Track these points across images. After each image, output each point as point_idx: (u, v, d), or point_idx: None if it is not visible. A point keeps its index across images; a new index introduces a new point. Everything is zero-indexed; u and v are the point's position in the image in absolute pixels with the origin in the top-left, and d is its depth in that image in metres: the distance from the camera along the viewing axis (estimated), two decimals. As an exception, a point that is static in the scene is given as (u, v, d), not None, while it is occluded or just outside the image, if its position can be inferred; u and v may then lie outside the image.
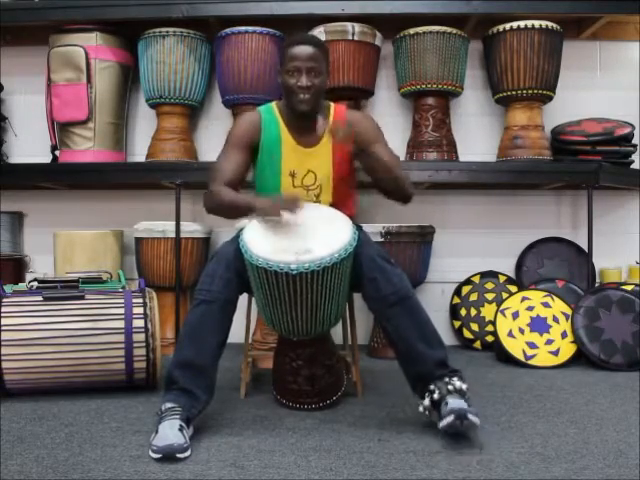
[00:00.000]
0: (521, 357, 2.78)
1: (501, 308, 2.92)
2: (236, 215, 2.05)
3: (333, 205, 2.12)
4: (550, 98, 3.14)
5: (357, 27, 3.01)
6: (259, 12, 3.02)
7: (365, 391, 2.29)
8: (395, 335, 1.91)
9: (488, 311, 3.16)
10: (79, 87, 3.11)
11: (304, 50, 1.99)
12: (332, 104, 2.19)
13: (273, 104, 2.17)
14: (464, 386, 1.84)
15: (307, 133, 2.09)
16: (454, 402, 1.76)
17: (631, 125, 3.15)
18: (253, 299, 2.15)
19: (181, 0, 3.00)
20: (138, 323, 2.26)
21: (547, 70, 3.03)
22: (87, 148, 3.16)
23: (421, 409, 1.85)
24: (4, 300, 2.24)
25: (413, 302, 1.91)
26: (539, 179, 3.09)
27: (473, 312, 3.22)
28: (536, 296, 2.92)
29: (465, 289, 3.28)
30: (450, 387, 1.81)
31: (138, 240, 3.11)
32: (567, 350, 2.78)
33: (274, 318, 1.96)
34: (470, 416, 1.70)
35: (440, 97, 3.13)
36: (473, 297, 3.25)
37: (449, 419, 1.70)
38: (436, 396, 1.81)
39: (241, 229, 2.00)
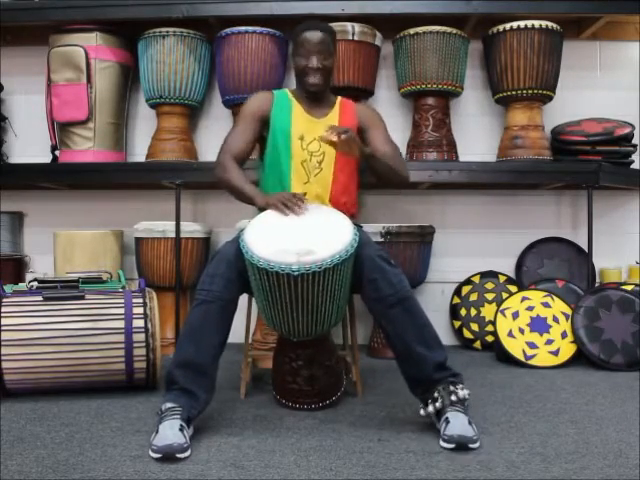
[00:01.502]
0: (521, 357, 2.78)
1: (501, 308, 2.92)
2: (239, 199, 2.19)
3: (334, 178, 2.22)
4: (550, 98, 3.14)
5: (357, 27, 3.01)
6: (259, 12, 3.03)
7: (365, 391, 2.29)
8: (394, 336, 1.91)
9: (488, 311, 3.17)
10: (79, 87, 3.11)
11: (314, 35, 2.18)
12: (339, 98, 2.33)
13: (285, 89, 2.36)
14: (467, 394, 1.83)
15: (317, 107, 2.27)
16: (456, 423, 1.74)
17: (631, 125, 3.15)
18: (253, 299, 2.16)
19: (181, 0, 3.00)
20: (138, 323, 2.26)
21: (547, 70, 3.03)
22: (87, 148, 3.16)
23: (422, 413, 1.85)
24: (4, 300, 2.24)
25: (412, 303, 1.91)
26: (539, 179, 3.10)
27: (473, 312, 3.22)
28: (536, 296, 2.92)
29: (465, 289, 3.28)
30: (453, 397, 1.81)
31: (138, 240, 3.11)
32: (567, 350, 2.78)
33: (274, 319, 1.96)
34: (471, 445, 1.70)
35: (440, 97, 3.13)
36: (473, 297, 3.25)
37: (449, 446, 1.70)
38: (438, 405, 1.80)
39: (242, 229, 2.00)
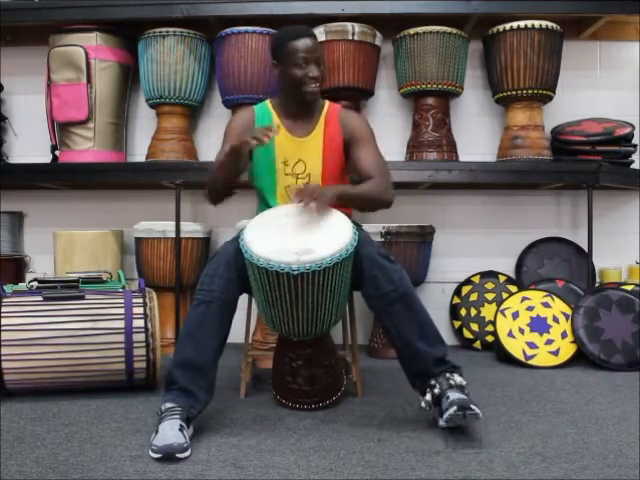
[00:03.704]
0: (521, 357, 2.78)
1: (501, 308, 2.92)
2: (229, 173, 2.06)
3: None
4: (550, 98, 3.14)
5: (357, 27, 3.01)
6: (259, 12, 3.03)
7: (365, 391, 2.29)
8: (395, 333, 1.92)
9: (488, 311, 3.16)
10: (79, 87, 3.11)
11: (308, 43, 2.08)
12: (327, 102, 2.26)
13: (267, 101, 2.26)
14: (464, 382, 1.85)
15: (301, 123, 2.18)
16: (455, 395, 1.78)
17: (631, 125, 3.15)
18: (253, 299, 2.15)
19: (181, 0, 3.00)
20: (138, 323, 2.26)
21: (547, 70, 3.03)
22: (87, 148, 3.16)
23: (423, 404, 1.86)
24: (4, 300, 2.24)
25: (413, 299, 1.92)
26: (539, 179, 3.09)
27: (473, 312, 3.22)
28: (536, 296, 2.92)
29: (465, 289, 3.28)
30: (451, 382, 1.83)
31: (138, 240, 3.11)
32: (567, 350, 2.78)
33: (274, 318, 1.96)
34: (472, 406, 1.72)
35: (440, 97, 3.13)
36: (473, 297, 3.25)
37: (451, 410, 1.72)
38: (437, 391, 1.83)
39: (242, 229, 1.99)
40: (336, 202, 2.01)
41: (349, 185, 2.18)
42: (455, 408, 1.71)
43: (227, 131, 2.21)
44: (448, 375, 1.85)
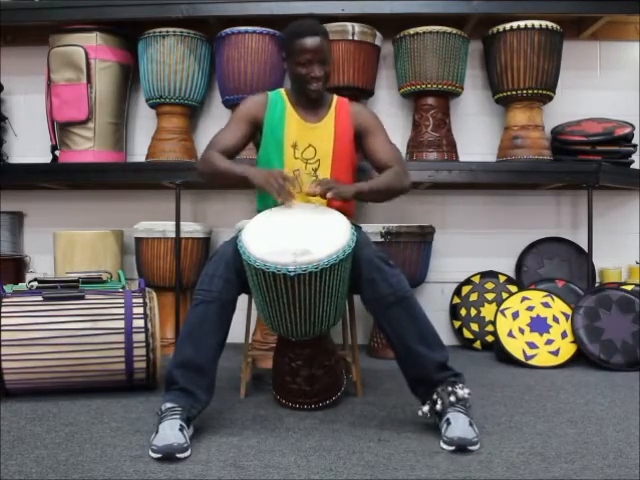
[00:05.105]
0: (521, 357, 2.78)
1: (501, 308, 2.92)
2: (228, 181, 2.16)
3: None
4: (550, 98, 3.14)
5: (357, 27, 3.01)
6: (259, 12, 3.03)
7: (365, 391, 2.29)
8: (394, 337, 1.90)
9: (488, 311, 3.17)
10: (79, 87, 3.11)
11: (314, 42, 2.09)
12: (335, 96, 2.28)
13: (282, 89, 2.29)
14: (467, 393, 1.82)
15: (312, 111, 2.21)
16: (456, 425, 1.73)
17: (631, 125, 3.15)
18: (253, 299, 2.15)
19: (181, 0, 3.00)
20: (138, 323, 2.26)
21: (547, 70, 3.03)
22: (87, 148, 3.16)
23: (420, 413, 1.84)
24: (4, 300, 2.24)
25: (411, 303, 1.90)
26: (539, 179, 3.10)
27: (473, 312, 3.22)
28: (536, 296, 2.92)
29: (465, 289, 3.28)
30: (452, 398, 1.80)
31: (138, 240, 3.11)
32: (567, 350, 2.78)
33: (272, 319, 1.95)
34: (471, 448, 1.69)
35: (440, 97, 3.13)
36: (473, 297, 3.25)
37: (450, 448, 1.69)
38: (438, 407, 1.80)
39: (241, 229, 1.99)
40: (356, 199, 2.09)
41: (365, 182, 2.15)
42: (453, 449, 1.68)
43: (236, 113, 2.22)
44: (450, 388, 1.82)
